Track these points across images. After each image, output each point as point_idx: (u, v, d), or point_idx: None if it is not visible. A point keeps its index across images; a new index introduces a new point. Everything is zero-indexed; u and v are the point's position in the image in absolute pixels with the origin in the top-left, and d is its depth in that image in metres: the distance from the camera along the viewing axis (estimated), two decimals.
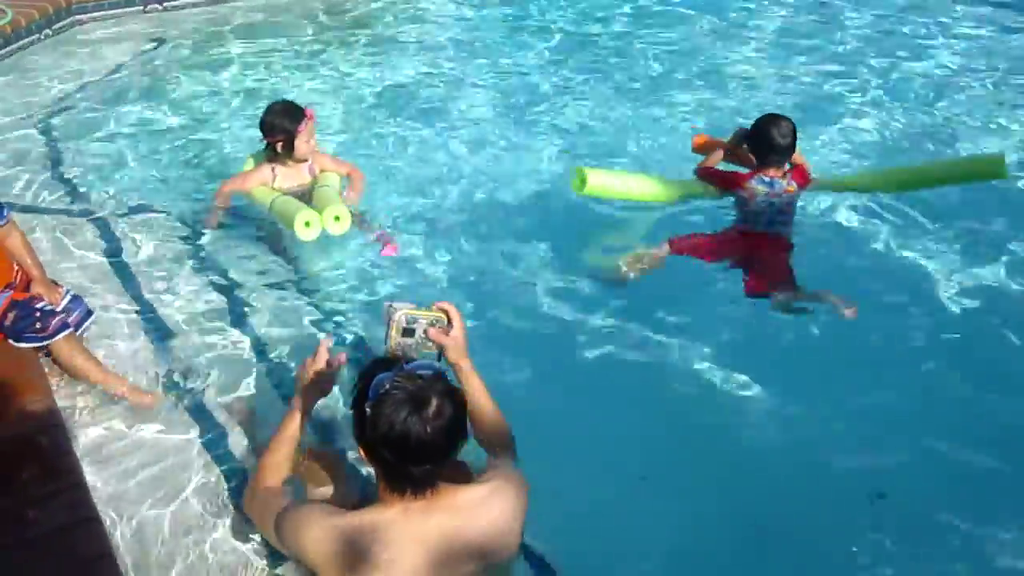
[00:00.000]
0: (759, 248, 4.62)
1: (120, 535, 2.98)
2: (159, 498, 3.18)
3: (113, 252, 4.72)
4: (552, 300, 4.48)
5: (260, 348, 4.07)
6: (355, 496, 2.92)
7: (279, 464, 2.88)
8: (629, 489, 3.43)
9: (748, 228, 4.63)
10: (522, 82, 7.22)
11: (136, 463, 3.33)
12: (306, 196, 4.76)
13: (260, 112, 4.86)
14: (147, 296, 4.37)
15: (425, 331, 2.81)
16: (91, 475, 3.19)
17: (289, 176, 4.88)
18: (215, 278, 4.57)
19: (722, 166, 4.84)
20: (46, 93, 6.68)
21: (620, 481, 3.44)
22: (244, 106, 6.53)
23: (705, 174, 4.81)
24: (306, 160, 4.87)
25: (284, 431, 2.90)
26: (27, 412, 3.28)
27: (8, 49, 7.09)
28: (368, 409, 2.35)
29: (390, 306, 2.84)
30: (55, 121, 6.27)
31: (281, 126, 4.72)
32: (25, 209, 5.02)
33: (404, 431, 2.30)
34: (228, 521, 3.09)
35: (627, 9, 8.87)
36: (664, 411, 3.81)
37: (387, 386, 2.35)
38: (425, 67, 7.49)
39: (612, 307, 4.40)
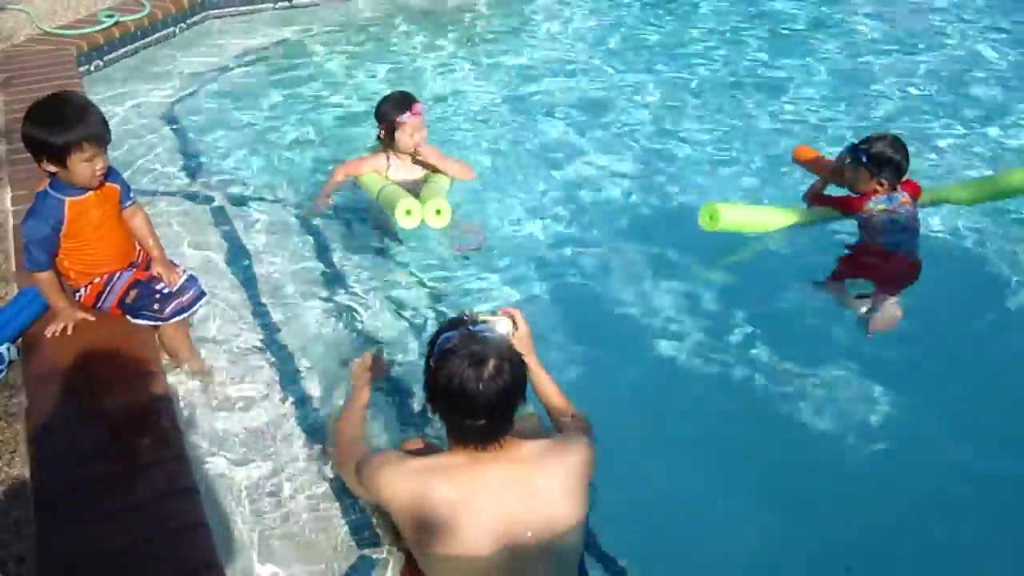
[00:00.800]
0: (885, 264, 4.49)
1: (215, 507, 3.12)
2: (257, 474, 3.33)
3: (229, 237, 4.94)
4: (652, 309, 4.48)
5: (363, 333, 4.24)
6: None
7: (354, 424, 3.15)
8: (712, 494, 3.43)
9: (875, 246, 4.50)
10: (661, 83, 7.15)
11: (237, 439, 3.51)
12: (416, 189, 4.84)
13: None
14: (258, 280, 4.57)
15: None
16: (192, 448, 3.34)
17: (402, 168, 4.98)
18: (324, 264, 4.75)
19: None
20: (176, 84, 6.94)
21: (702, 484, 3.47)
22: (369, 101, 6.65)
23: (821, 201, 4.71)
24: (409, 153, 4.94)
25: (355, 397, 3.26)
26: (139, 385, 3.43)
27: (144, 41, 7.40)
28: (432, 363, 2.54)
29: (464, 313, 2.96)
30: (183, 111, 6.51)
31: (385, 115, 4.85)
32: (149, 193, 5.26)
33: (460, 387, 2.46)
34: (321, 501, 3.21)
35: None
36: (757, 417, 3.84)
37: (451, 344, 2.50)
38: (562, 61, 7.54)
39: (705, 312, 4.44)
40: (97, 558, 2.72)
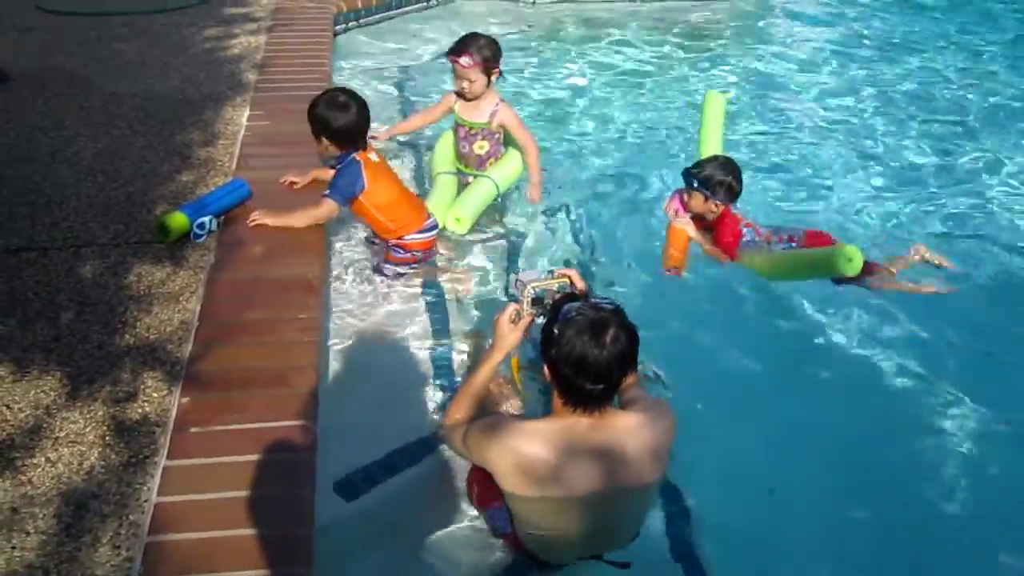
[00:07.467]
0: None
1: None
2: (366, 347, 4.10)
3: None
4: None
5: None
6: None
7: (470, 403, 3.30)
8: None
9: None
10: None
11: (368, 320, 4.28)
12: (482, 133, 5.17)
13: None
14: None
15: (553, 298, 3.10)
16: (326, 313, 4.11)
17: (467, 109, 5.18)
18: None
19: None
20: (410, 56, 7.69)
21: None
22: (584, 97, 7.15)
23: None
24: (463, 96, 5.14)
25: (478, 378, 3.29)
26: (296, 263, 4.19)
27: (392, 12, 8.36)
28: (556, 330, 2.74)
29: (518, 280, 3.24)
30: (411, 79, 7.22)
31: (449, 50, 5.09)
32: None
33: (583, 352, 2.67)
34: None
35: None
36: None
37: (573, 313, 2.74)
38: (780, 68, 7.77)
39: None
40: (232, 371, 3.48)
